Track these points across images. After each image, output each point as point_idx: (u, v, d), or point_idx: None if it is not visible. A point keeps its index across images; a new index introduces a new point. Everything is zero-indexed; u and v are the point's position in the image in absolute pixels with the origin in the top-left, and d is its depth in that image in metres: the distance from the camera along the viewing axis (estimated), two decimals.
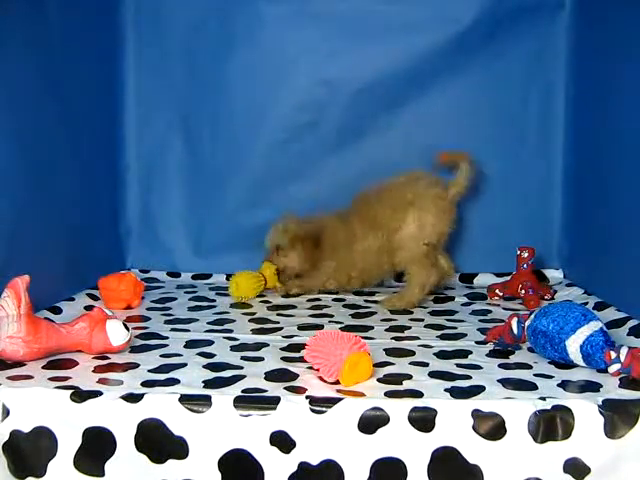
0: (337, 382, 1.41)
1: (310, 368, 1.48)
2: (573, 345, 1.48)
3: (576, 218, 2.26)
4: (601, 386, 1.40)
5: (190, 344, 1.67)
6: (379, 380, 1.43)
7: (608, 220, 1.97)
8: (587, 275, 2.16)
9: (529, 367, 1.52)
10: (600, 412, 1.27)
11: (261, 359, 1.57)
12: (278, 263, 2.23)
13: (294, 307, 2.05)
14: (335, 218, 2.23)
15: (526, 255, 2.15)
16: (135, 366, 1.51)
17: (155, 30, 2.37)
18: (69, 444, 1.30)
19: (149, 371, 1.48)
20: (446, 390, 1.37)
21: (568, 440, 1.26)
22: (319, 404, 1.29)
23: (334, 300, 2.15)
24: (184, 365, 1.52)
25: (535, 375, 1.47)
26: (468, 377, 1.45)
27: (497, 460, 1.26)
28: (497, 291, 2.16)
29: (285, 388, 1.38)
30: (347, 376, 1.40)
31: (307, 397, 1.31)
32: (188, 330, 1.80)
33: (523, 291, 2.10)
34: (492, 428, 1.26)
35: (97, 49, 2.20)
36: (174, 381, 1.42)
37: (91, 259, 2.14)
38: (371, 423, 1.27)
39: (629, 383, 1.40)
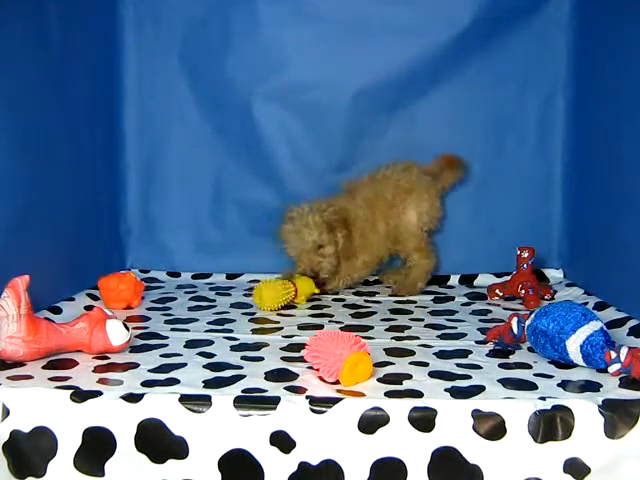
0: (337, 382, 1.41)
1: (310, 368, 1.48)
2: (573, 345, 1.48)
3: (576, 218, 2.26)
4: (601, 386, 1.40)
5: (190, 344, 1.67)
6: (379, 380, 1.44)
7: (608, 220, 1.97)
8: (587, 275, 2.16)
9: (529, 367, 1.52)
10: (600, 412, 1.27)
11: (261, 359, 1.57)
12: (322, 265, 2.14)
13: (294, 307, 2.05)
14: (350, 205, 2.21)
15: (526, 255, 2.15)
16: (135, 366, 1.51)
17: (155, 30, 2.37)
18: (69, 444, 1.30)
19: (149, 371, 1.48)
20: (446, 390, 1.37)
21: (568, 440, 1.26)
22: (319, 404, 1.29)
23: (334, 300, 2.15)
24: (184, 365, 1.52)
25: (535, 375, 1.47)
26: (468, 377, 1.45)
27: (497, 460, 1.26)
28: (497, 291, 2.16)
29: (285, 388, 1.38)
30: (347, 376, 1.40)
31: (307, 397, 1.31)
32: (188, 330, 1.80)
33: (523, 291, 2.10)
34: (492, 428, 1.26)
35: (97, 49, 2.20)
36: (174, 381, 1.42)
37: (91, 259, 2.14)
38: (371, 423, 1.27)
39: (629, 383, 1.40)
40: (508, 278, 2.19)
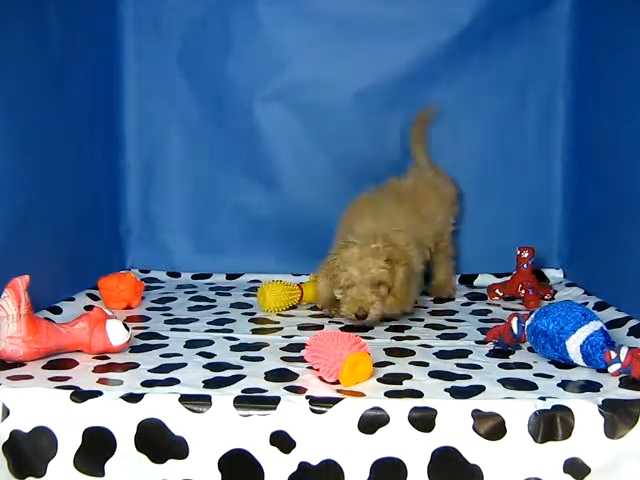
0: (337, 382, 1.41)
1: (310, 368, 1.48)
2: (573, 345, 1.48)
3: (576, 218, 2.26)
4: (601, 386, 1.40)
5: (190, 344, 1.67)
6: (379, 380, 1.43)
7: (608, 220, 1.96)
8: (587, 275, 2.16)
9: (529, 367, 1.52)
10: (600, 412, 1.27)
11: (261, 359, 1.57)
12: (366, 299, 1.80)
13: (294, 307, 2.05)
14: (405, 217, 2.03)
15: (526, 255, 2.15)
16: (135, 366, 1.51)
17: (155, 30, 2.37)
18: (69, 444, 1.30)
19: (149, 371, 1.48)
20: (446, 390, 1.37)
21: (568, 440, 1.26)
22: (319, 404, 1.28)
23: None
24: (184, 365, 1.52)
25: (535, 375, 1.47)
26: (468, 377, 1.45)
27: (497, 460, 1.26)
28: (497, 291, 2.16)
29: (285, 388, 1.38)
30: (347, 376, 1.39)
31: (307, 397, 1.30)
32: (188, 330, 1.80)
33: (523, 291, 2.10)
34: (492, 428, 1.26)
35: (97, 49, 2.20)
36: (174, 381, 1.42)
37: (91, 259, 2.14)
38: (371, 423, 1.27)
39: (629, 383, 1.40)
40: (508, 278, 2.19)
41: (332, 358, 1.41)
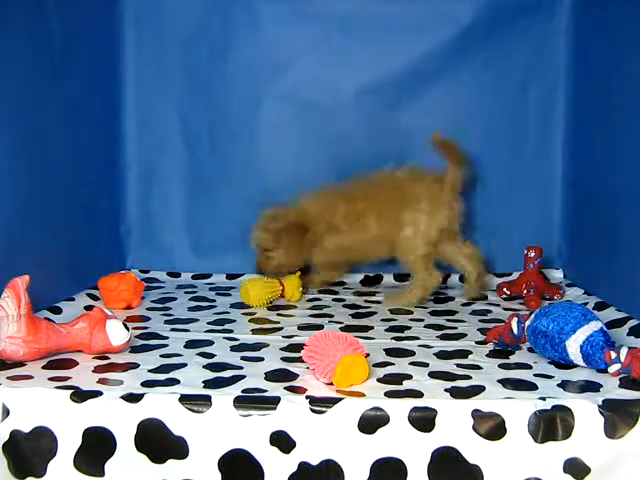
0: (332, 383, 1.40)
1: (309, 368, 1.48)
2: (573, 345, 1.48)
3: (576, 218, 2.26)
4: (601, 386, 1.40)
5: (190, 344, 1.67)
6: (379, 380, 1.43)
7: (608, 220, 1.96)
8: (587, 275, 2.16)
9: (529, 367, 1.52)
10: (600, 412, 1.27)
11: (261, 359, 1.57)
12: (267, 264, 2.17)
13: (294, 307, 2.05)
14: (333, 196, 2.18)
15: (532, 255, 2.15)
16: (135, 366, 1.51)
17: (155, 29, 2.37)
18: (69, 444, 1.30)
19: (149, 371, 1.48)
20: (446, 390, 1.37)
21: (568, 440, 1.26)
22: (319, 404, 1.28)
23: (334, 300, 2.15)
24: (184, 365, 1.52)
25: (535, 375, 1.47)
26: (468, 377, 1.45)
27: (497, 460, 1.26)
28: (505, 289, 2.16)
29: (285, 388, 1.38)
30: (339, 378, 1.39)
31: (307, 397, 1.30)
32: (188, 330, 1.80)
33: (526, 291, 2.10)
34: (492, 428, 1.26)
35: (97, 49, 2.20)
36: (174, 381, 1.42)
37: (91, 259, 2.14)
38: (371, 423, 1.27)
39: (629, 383, 1.40)
40: (516, 277, 2.20)
41: (326, 359, 1.41)
